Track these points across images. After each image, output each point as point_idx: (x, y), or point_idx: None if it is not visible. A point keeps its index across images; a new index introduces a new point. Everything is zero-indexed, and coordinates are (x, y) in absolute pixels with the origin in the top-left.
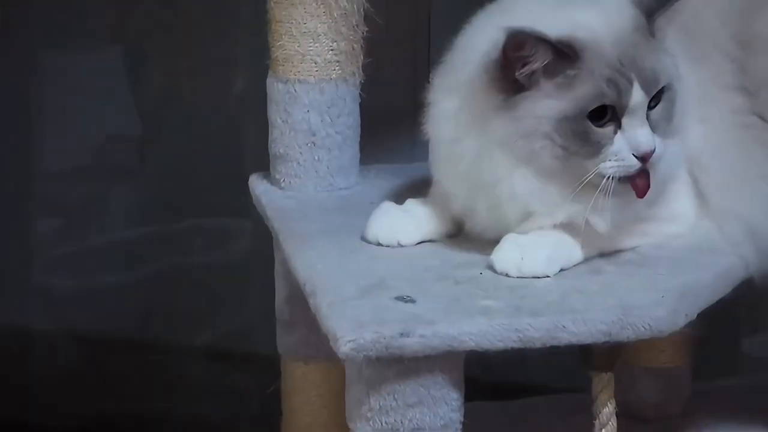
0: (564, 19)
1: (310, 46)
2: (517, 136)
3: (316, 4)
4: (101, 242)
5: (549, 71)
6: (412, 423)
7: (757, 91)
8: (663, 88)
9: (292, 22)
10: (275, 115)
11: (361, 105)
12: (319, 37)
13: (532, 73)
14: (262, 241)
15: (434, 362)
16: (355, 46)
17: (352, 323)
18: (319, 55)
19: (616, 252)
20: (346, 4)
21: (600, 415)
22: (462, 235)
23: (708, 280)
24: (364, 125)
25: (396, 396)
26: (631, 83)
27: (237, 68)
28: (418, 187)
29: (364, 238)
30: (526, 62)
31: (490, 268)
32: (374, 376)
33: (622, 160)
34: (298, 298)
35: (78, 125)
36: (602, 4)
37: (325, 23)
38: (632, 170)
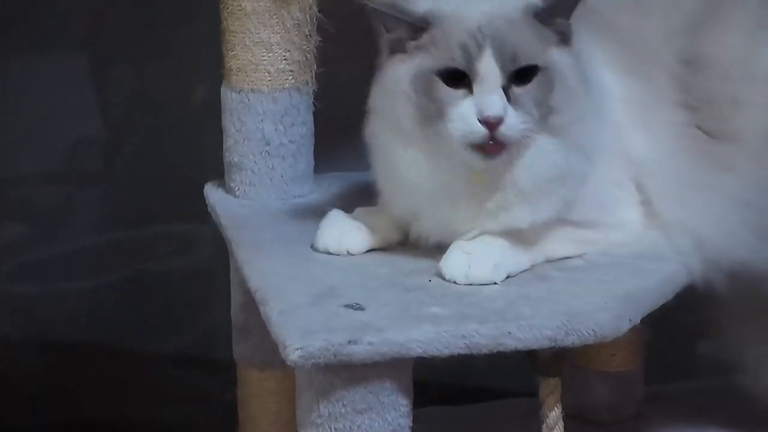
0: None
1: (264, 56)
2: (384, 96)
3: (269, 14)
4: (67, 248)
5: (409, 38)
6: (361, 429)
7: (700, 107)
8: (535, 69)
9: (245, 32)
10: (229, 124)
11: (316, 113)
12: (272, 47)
13: (398, 39)
14: (228, 246)
15: (382, 369)
16: (308, 55)
17: (301, 331)
18: (272, 65)
19: (563, 258)
20: (298, 14)
21: (547, 420)
22: (411, 242)
23: (652, 285)
24: (320, 133)
25: (345, 402)
26: (482, 50)
27: (203, 74)
28: (373, 195)
29: (314, 248)
30: (389, 32)
31: (439, 275)
32: (323, 383)
33: (467, 123)
34: (253, 305)
35: (43, 130)
36: None
37: (278, 33)
38: (478, 136)
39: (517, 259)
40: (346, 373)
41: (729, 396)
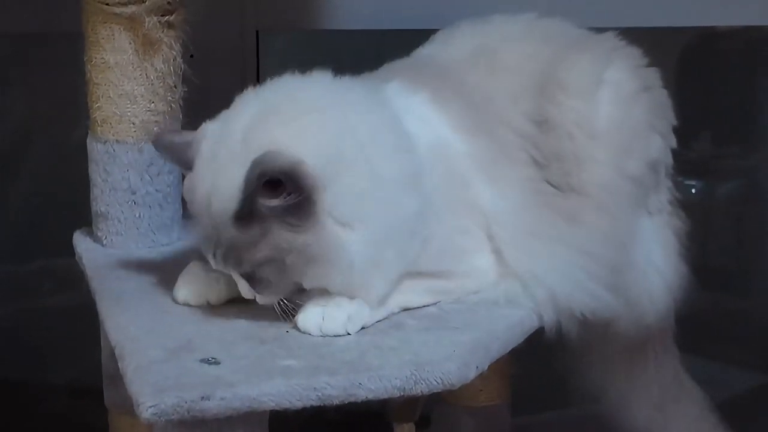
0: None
1: (128, 108)
2: None
3: (133, 66)
4: None
5: None
6: None
7: (549, 164)
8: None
9: (109, 85)
10: (95, 174)
11: None
12: (137, 98)
13: None
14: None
15: (237, 422)
16: (174, 105)
17: (153, 388)
18: (136, 116)
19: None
20: (162, 66)
21: None
22: None
23: (500, 332)
24: None
25: None
26: (214, 253)
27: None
28: None
29: (174, 300)
30: None
31: (296, 326)
32: None
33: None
34: None
35: None
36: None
37: (142, 85)
38: None
39: (372, 310)
40: (201, 428)
41: (597, 425)
